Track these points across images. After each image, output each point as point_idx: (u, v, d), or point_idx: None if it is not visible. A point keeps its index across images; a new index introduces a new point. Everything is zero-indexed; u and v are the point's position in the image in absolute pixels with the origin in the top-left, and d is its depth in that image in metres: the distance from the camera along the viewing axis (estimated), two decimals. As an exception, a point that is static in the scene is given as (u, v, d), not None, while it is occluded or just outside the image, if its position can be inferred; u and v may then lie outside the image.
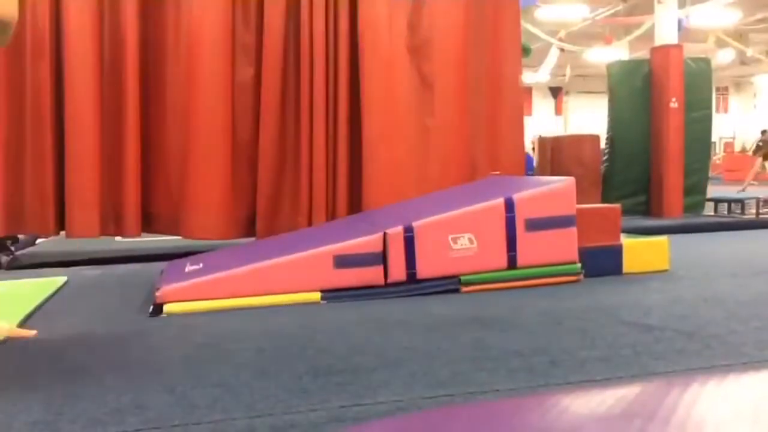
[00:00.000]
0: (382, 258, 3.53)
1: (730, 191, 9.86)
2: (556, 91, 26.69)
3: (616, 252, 4.06)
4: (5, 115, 4.64)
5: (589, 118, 21.55)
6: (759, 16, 15.28)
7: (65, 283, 3.95)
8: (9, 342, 2.69)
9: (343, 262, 3.47)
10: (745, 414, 1.42)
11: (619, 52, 15.29)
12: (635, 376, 2.11)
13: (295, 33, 5.03)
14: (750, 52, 17.67)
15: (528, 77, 17.61)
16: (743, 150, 24.62)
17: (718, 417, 1.38)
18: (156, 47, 4.91)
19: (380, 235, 3.55)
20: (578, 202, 3.91)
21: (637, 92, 7.70)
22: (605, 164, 7.80)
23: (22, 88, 4.65)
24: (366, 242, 3.53)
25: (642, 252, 4.16)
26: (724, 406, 1.47)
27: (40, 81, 4.65)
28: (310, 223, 4.93)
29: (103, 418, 1.83)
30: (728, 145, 26.61)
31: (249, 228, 5.05)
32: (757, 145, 13.69)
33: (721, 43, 16.20)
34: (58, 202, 4.71)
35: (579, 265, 3.83)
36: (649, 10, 9.81)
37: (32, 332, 2.71)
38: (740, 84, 27.36)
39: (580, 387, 2.02)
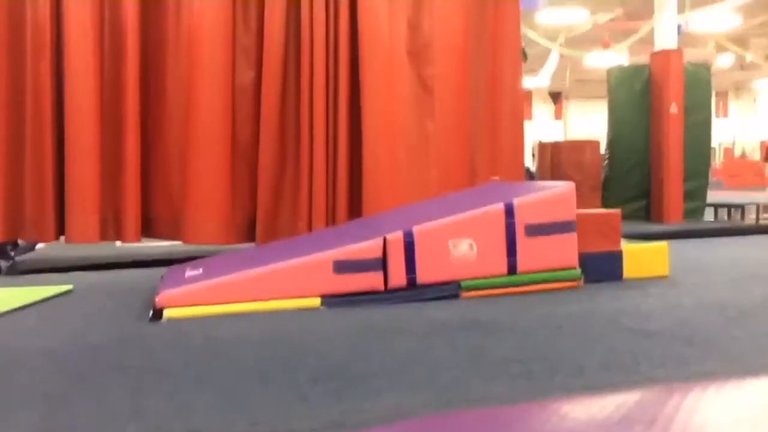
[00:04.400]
0: (382, 263, 3.53)
1: (731, 196, 9.86)
2: (556, 96, 26.71)
3: (616, 258, 4.06)
4: (5, 118, 4.64)
5: (589, 122, 21.57)
6: (759, 20, 15.30)
7: (68, 291, 3.94)
8: (7, 347, 2.69)
9: (343, 267, 3.46)
10: (744, 420, 1.41)
11: (618, 57, 15.31)
12: (635, 383, 2.11)
13: (295, 36, 5.03)
14: (750, 57, 17.70)
15: (528, 82, 17.62)
16: (743, 155, 24.63)
17: (718, 423, 1.38)
18: (156, 50, 4.92)
19: (380, 240, 3.54)
20: (578, 207, 3.91)
21: (637, 97, 7.72)
22: (605, 169, 7.80)
23: (22, 90, 4.66)
24: (366, 248, 3.53)
25: (642, 258, 4.15)
26: (723, 413, 1.47)
27: (40, 83, 4.65)
28: (310, 228, 4.93)
29: (102, 423, 1.83)
30: (728, 151, 26.63)
31: (249, 233, 5.05)
32: None
33: (720, 48, 16.22)
34: (58, 206, 4.71)
35: (579, 270, 3.83)
36: (649, 14, 9.82)
37: None
38: (740, 89, 27.37)
39: (580, 393, 2.02)
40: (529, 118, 25.33)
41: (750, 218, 7.63)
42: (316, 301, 3.40)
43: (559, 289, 3.74)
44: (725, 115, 27.70)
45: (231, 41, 4.95)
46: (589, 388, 2.08)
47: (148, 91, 4.90)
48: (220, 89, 4.89)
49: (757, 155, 22.02)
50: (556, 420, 1.58)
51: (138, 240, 4.92)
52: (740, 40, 16.78)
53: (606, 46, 15.52)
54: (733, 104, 28.31)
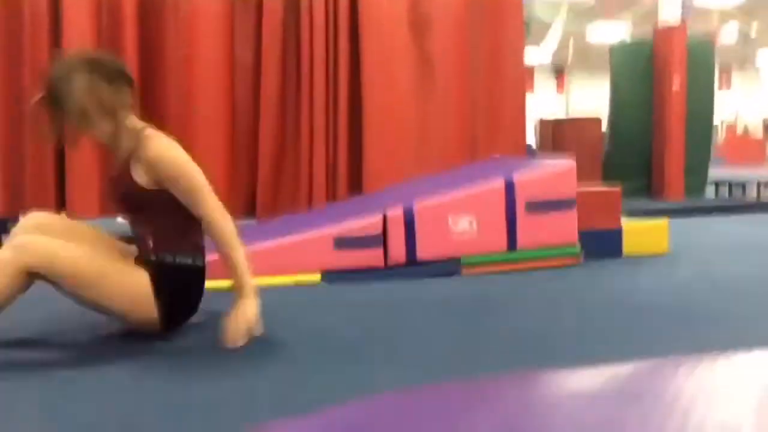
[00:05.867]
0: (382, 240, 3.54)
1: (732, 173, 9.85)
2: (558, 69, 26.53)
3: (616, 235, 4.07)
4: (5, 95, 4.63)
5: (592, 95, 21.43)
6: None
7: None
8: (8, 321, 2.70)
9: (343, 243, 3.48)
10: (736, 395, 1.43)
11: (622, 28, 15.13)
12: (633, 358, 2.12)
13: (294, 12, 4.99)
14: (754, 31, 17.53)
15: (530, 55, 17.47)
16: (746, 132, 24.52)
17: (709, 397, 1.39)
18: (155, 27, 4.88)
19: (380, 216, 3.55)
20: (579, 185, 3.90)
21: (640, 74, 7.67)
22: (606, 146, 7.78)
23: (21, 70, 4.64)
24: (366, 224, 3.54)
25: (642, 235, 4.16)
26: (714, 387, 1.49)
27: (39, 62, 4.63)
28: (310, 205, 4.93)
29: (103, 398, 1.85)
30: (730, 128, 26.50)
31: (249, 209, 5.06)
32: None
33: (725, 18, 16.05)
34: (59, 182, 4.72)
35: (579, 247, 3.84)
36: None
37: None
38: (744, 61, 27.14)
39: (572, 366, 2.04)
40: (531, 90, 25.17)
41: (751, 195, 7.63)
42: (316, 277, 3.42)
43: (558, 266, 3.75)
44: (728, 87, 27.45)
45: (230, 18, 4.91)
46: (587, 363, 2.09)
47: (148, 70, 4.87)
48: (219, 67, 4.87)
49: (760, 133, 21.94)
50: (546, 391, 1.60)
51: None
52: (746, 14, 16.62)
53: (609, 15, 15.34)
54: (737, 77, 28.09)
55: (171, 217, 2.31)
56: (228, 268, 2.21)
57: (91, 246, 2.32)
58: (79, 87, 2.21)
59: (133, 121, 2.37)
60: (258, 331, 2.14)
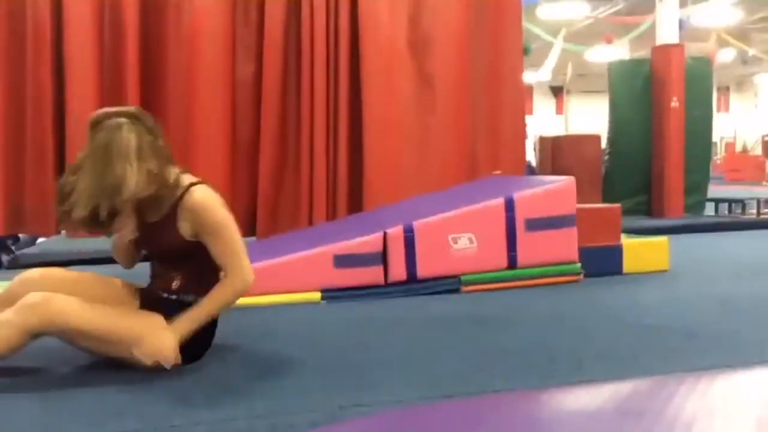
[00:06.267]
0: (382, 258, 3.53)
1: (731, 191, 9.86)
2: (557, 91, 26.67)
3: (617, 252, 4.06)
4: (5, 114, 4.65)
5: (590, 117, 21.53)
6: (760, 15, 15.27)
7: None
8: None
9: (343, 261, 3.46)
10: (734, 412, 1.42)
11: (620, 51, 15.25)
12: (633, 376, 2.11)
13: (295, 30, 5.03)
14: (751, 52, 17.64)
15: (529, 76, 17.57)
16: (744, 149, 24.60)
17: (709, 415, 1.38)
18: (157, 43, 4.91)
19: (380, 234, 3.54)
20: (578, 202, 3.91)
21: (638, 92, 7.70)
22: (606, 164, 7.79)
23: (22, 86, 4.66)
24: (366, 242, 3.53)
25: (642, 252, 4.16)
26: (714, 405, 1.47)
27: (40, 79, 4.65)
28: (310, 222, 4.93)
29: (103, 417, 1.83)
30: (729, 145, 26.58)
31: (249, 227, 5.05)
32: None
33: (722, 43, 16.18)
34: (59, 201, 4.71)
35: (579, 265, 3.83)
36: (651, 9, 9.80)
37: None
38: (742, 83, 27.30)
39: (572, 384, 2.03)
40: (530, 112, 25.27)
41: (750, 213, 7.63)
42: (316, 295, 3.41)
43: (559, 284, 3.74)
44: (726, 110, 27.63)
45: (231, 35, 4.95)
46: (588, 381, 2.08)
47: (149, 85, 4.89)
48: (220, 83, 4.89)
49: (758, 150, 22.00)
50: (546, 409, 1.59)
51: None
52: (742, 35, 16.73)
53: (608, 41, 15.49)
54: (735, 98, 28.23)
55: (206, 262, 2.27)
56: (206, 298, 2.19)
57: (94, 295, 2.25)
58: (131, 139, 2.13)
59: (175, 172, 2.27)
60: (167, 364, 2.10)
